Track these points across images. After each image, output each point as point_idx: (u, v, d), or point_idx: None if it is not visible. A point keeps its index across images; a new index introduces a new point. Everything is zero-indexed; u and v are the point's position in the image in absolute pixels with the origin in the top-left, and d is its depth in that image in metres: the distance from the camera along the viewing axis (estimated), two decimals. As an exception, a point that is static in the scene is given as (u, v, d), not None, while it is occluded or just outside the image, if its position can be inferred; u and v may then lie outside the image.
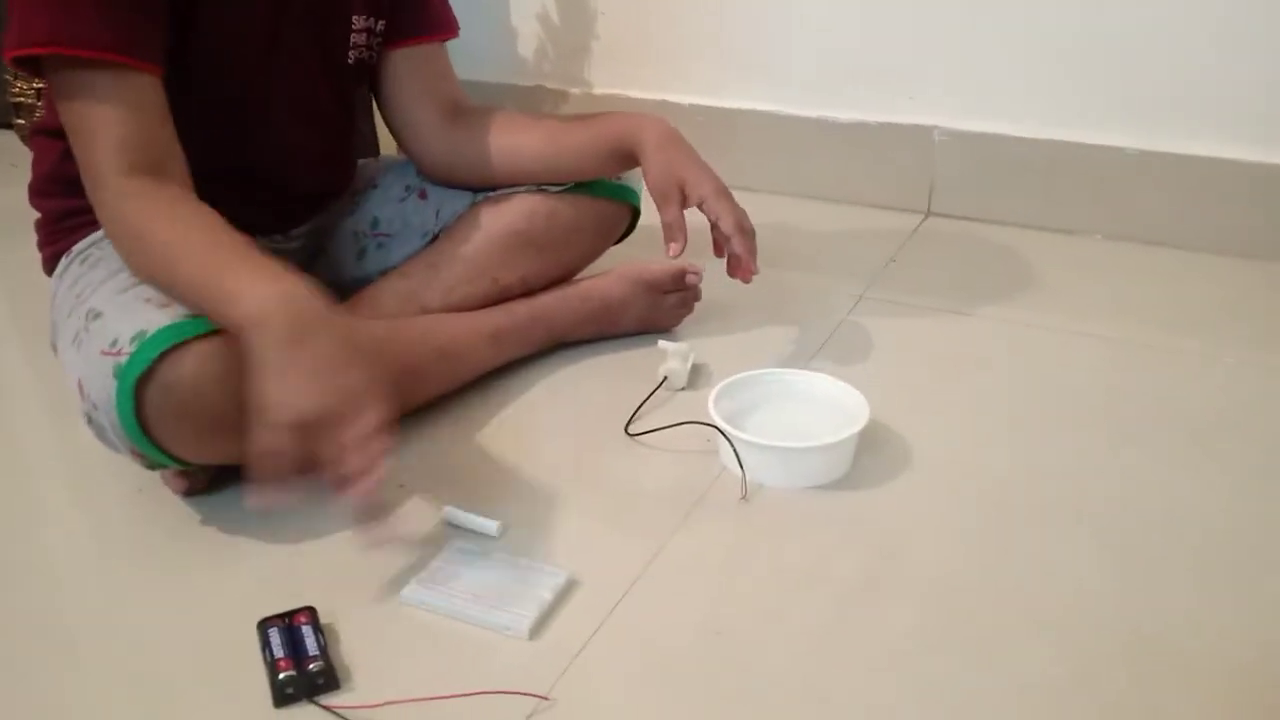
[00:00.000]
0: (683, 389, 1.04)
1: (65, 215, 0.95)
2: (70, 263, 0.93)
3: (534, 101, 1.72)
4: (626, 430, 0.96)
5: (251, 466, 0.71)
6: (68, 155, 0.86)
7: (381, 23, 1.03)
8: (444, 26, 1.09)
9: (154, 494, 0.89)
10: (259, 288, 0.74)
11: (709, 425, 0.91)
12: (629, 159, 1.03)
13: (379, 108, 1.11)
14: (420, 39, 1.07)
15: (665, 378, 1.03)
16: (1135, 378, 1.06)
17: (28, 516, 0.90)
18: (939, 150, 1.48)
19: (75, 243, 0.94)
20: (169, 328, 0.76)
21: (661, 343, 1.05)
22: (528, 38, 1.70)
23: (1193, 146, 1.34)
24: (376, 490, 0.71)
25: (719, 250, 1.02)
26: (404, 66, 1.06)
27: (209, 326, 0.77)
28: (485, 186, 1.09)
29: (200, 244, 0.79)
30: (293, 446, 0.70)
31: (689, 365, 1.04)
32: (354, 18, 1.00)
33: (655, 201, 1.00)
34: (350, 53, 1.01)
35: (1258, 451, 0.94)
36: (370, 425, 0.71)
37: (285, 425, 0.70)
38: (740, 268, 1.01)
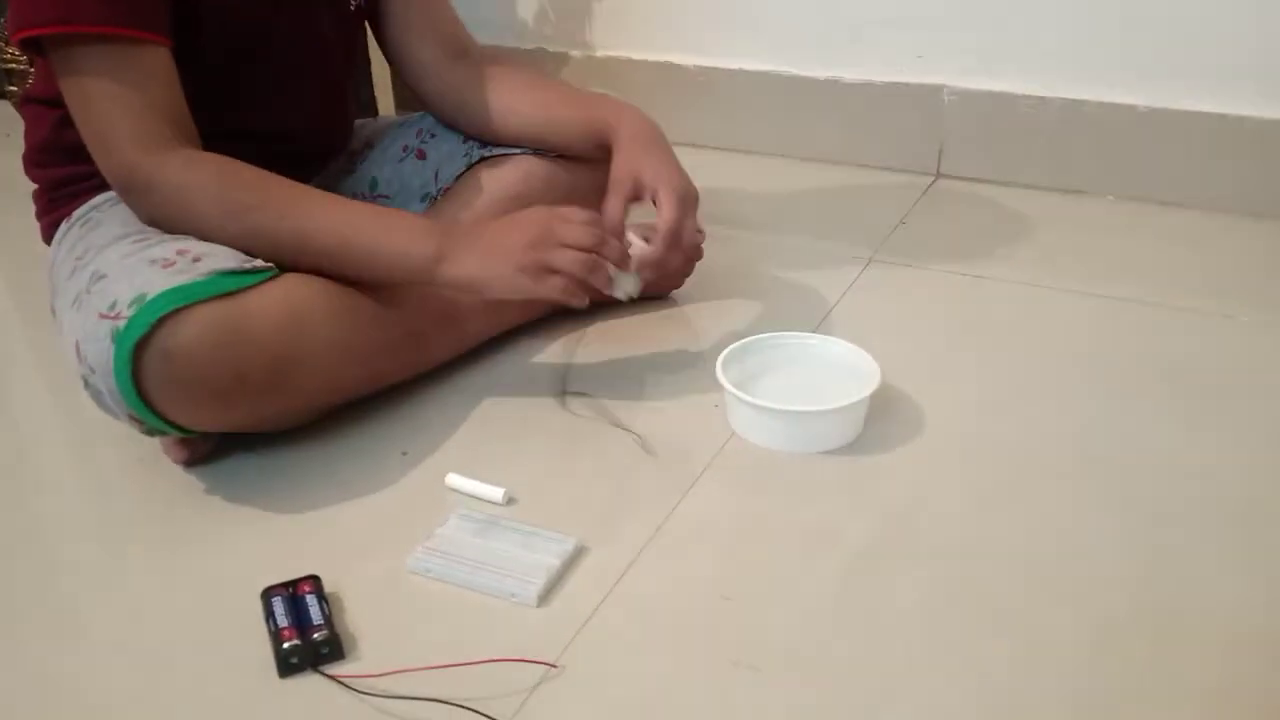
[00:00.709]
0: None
1: (64, 183, 0.94)
2: (70, 227, 0.92)
3: (535, 64, 1.69)
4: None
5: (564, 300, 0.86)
6: (64, 123, 0.86)
7: None
8: None
9: (154, 464, 0.88)
10: (404, 235, 0.85)
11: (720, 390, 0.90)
12: (604, 148, 1.00)
13: (383, 48, 1.09)
14: None
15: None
16: (1147, 339, 1.05)
17: (26, 486, 0.89)
18: (948, 110, 1.45)
19: (75, 209, 0.93)
20: (170, 291, 0.75)
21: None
22: (528, 0, 1.67)
23: (1202, 103, 1.31)
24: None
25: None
26: (405, 3, 1.05)
27: (212, 291, 0.76)
28: (482, 137, 1.08)
29: (321, 205, 0.86)
30: (550, 283, 0.84)
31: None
32: None
33: (607, 190, 0.95)
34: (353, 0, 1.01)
35: (1272, 412, 0.92)
36: (572, 218, 0.85)
37: (526, 272, 0.83)
38: (644, 266, 0.93)
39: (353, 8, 1.01)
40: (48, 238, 0.96)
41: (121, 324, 0.74)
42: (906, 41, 1.45)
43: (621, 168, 0.96)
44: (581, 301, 0.87)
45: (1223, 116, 1.30)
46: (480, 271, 0.85)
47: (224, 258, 0.79)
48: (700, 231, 1.10)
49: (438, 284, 0.86)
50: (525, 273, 0.84)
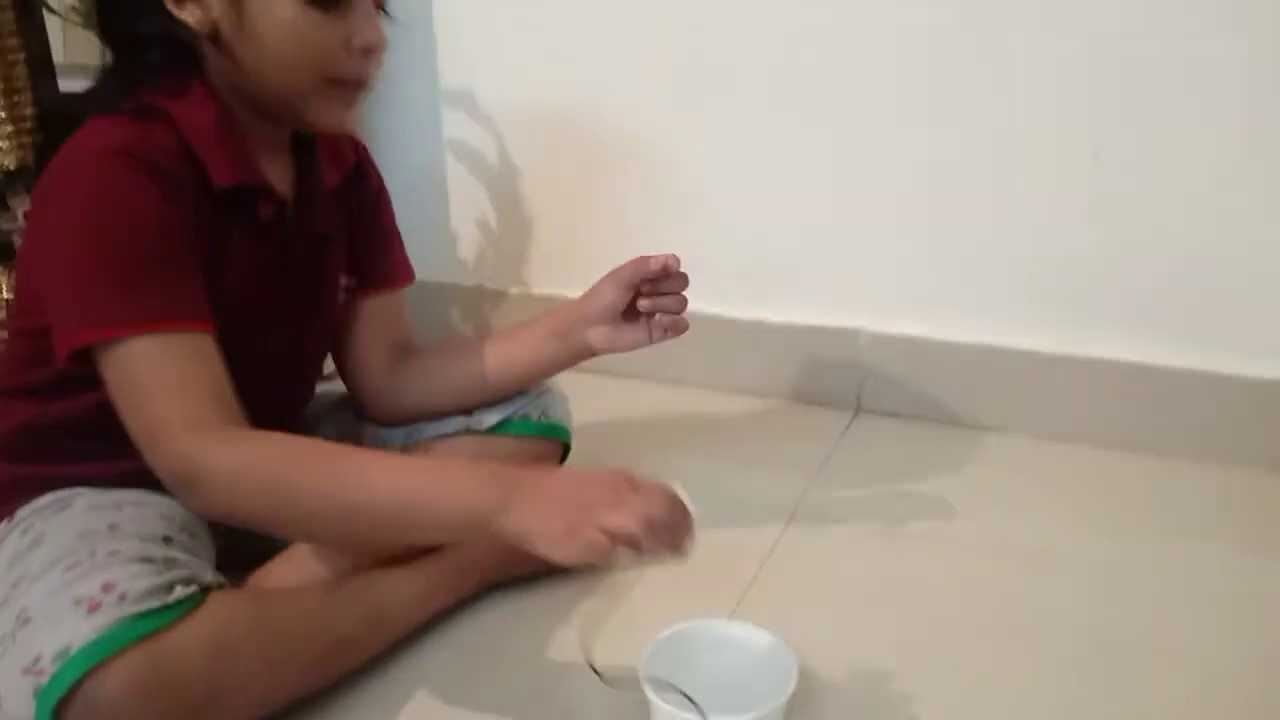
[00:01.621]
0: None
1: (13, 483, 0.95)
2: (11, 531, 0.92)
3: (475, 300, 1.77)
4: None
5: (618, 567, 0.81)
6: (24, 420, 0.90)
7: (354, 279, 1.10)
8: (404, 275, 1.16)
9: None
10: (470, 488, 0.83)
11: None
12: (582, 347, 1.10)
13: (331, 347, 1.14)
14: (384, 288, 1.13)
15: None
16: (1064, 599, 1.09)
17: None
18: (864, 351, 1.53)
19: (17, 508, 0.94)
20: (94, 643, 0.76)
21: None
22: (468, 241, 1.75)
23: (1103, 349, 1.40)
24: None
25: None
26: (364, 313, 1.12)
27: (132, 636, 0.77)
28: (433, 415, 1.13)
29: (375, 473, 0.85)
30: (597, 549, 0.78)
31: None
32: (340, 277, 1.07)
33: (618, 282, 1.07)
34: (334, 301, 1.08)
35: (1184, 678, 0.96)
36: (650, 489, 0.81)
37: (588, 538, 0.78)
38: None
39: (333, 316, 1.08)
40: None
41: (44, 680, 0.74)
42: (826, 288, 1.54)
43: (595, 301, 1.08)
44: (628, 567, 0.82)
45: (1122, 363, 1.39)
46: (533, 523, 0.80)
47: (147, 593, 0.80)
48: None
49: (492, 533, 0.82)
50: (574, 535, 0.78)
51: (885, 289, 1.51)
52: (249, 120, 0.96)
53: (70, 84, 1.59)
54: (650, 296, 1.08)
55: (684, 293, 1.08)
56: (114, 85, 0.92)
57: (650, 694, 0.91)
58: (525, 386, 1.15)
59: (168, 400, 0.83)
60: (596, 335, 1.10)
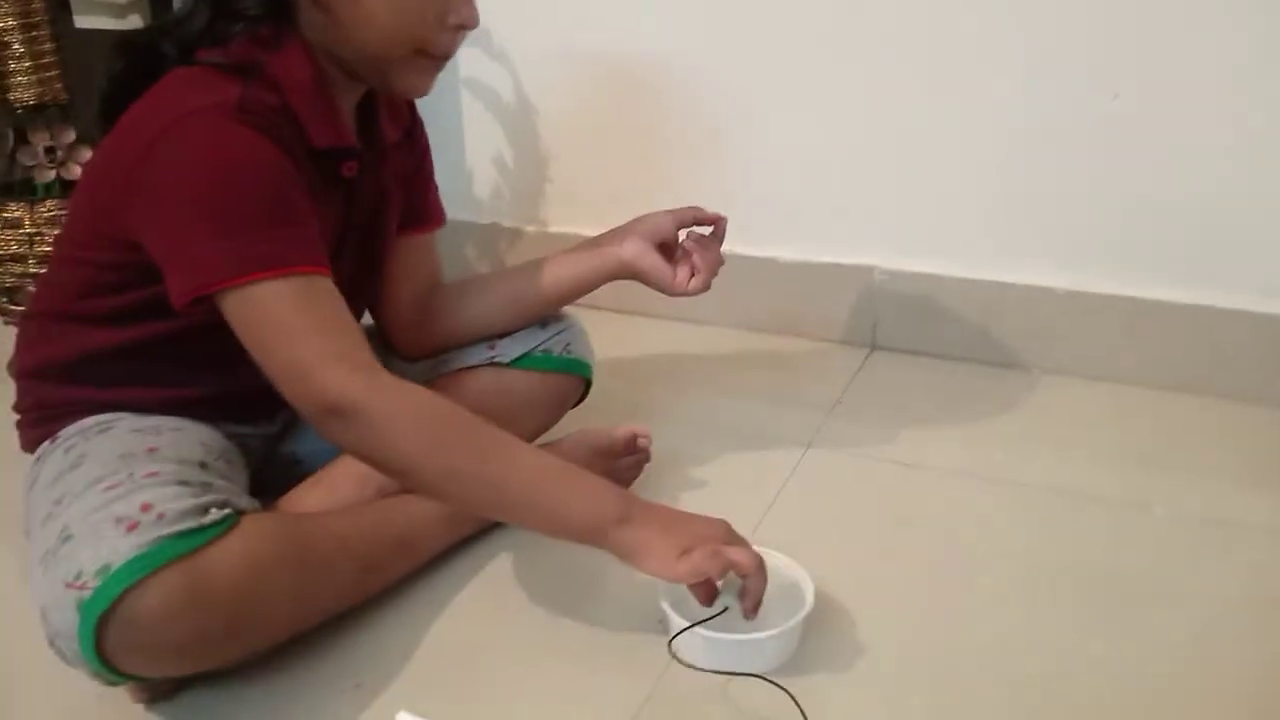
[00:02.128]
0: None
1: (63, 404, 0.98)
2: (55, 450, 0.95)
3: (490, 238, 1.77)
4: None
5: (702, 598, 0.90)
6: (83, 345, 0.93)
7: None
8: (438, 217, 1.17)
9: (114, 701, 0.90)
10: (599, 494, 0.89)
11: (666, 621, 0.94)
12: (620, 267, 1.11)
13: None
14: (419, 229, 1.14)
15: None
16: (1076, 534, 1.11)
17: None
18: (879, 288, 1.53)
19: (60, 429, 0.97)
20: (133, 560, 0.78)
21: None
22: (484, 179, 1.75)
23: (1120, 286, 1.41)
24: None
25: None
26: (399, 253, 1.13)
27: (172, 554, 0.80)
28: (459, 344, 1.15)
29: (520, 453, 0.89)
30: (716, 570, 0.87)
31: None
32: (393, 226, 1.09)
33: (670, 215, 1.11)
34: (385, 251, 1.09)
35: (1194, 615, 0.98)
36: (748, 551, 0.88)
37: (698, 562, 0.86)
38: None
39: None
40: (28, 446, 1.00)
41: (87, 595, 0.77)
42: (841, 224, 1.54)
43: (641, 236, 1.10)
44: (712, 605, 0.91)
45: (1134, 299, 1.40)
46: (650, 541, 0.87)
47: (183, 514, 0.82)
48: (646, 438, 1.16)
49: (606, 542, 0.88)
50: (687, 557, 0.87)
51: (902, 225, 1.51)
52: (338, 79, 0.96)
53: (85, 20, 1.59)
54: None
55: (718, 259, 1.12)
56: (204, 29, 0.91)
57: (667, 609, 0.94)
58: (555, 302, 1.16)
59: (310, 338, 0.83)
60: (630, 244, 1.11)
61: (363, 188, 1.01)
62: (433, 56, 0.94)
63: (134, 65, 0.92)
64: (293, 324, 0.84)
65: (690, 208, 1.13)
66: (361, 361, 0.84)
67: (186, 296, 0.84)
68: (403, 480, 0.91)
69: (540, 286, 1.14)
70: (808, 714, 0.87)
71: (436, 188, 1.18)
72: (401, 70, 0.94)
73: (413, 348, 1.16)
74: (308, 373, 0.83)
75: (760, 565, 0.89)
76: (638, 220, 1.12)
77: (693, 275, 1.11)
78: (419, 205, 1.14)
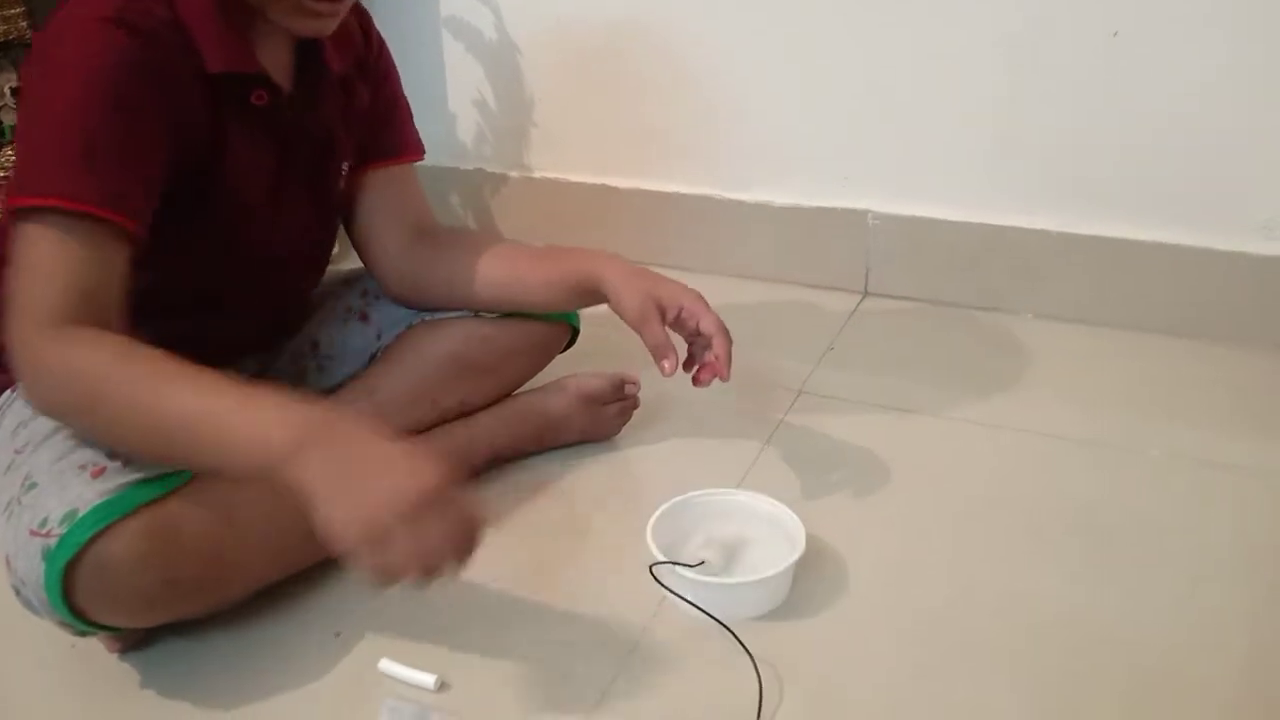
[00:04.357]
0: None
1: None
2: (16, 398, 0.91)
3: (474, 184, 1.73)
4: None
5: (371, 582, 0.71)
6: None
7: (355, 159, 1.05)
8: (414, 148, 1.11)
9: (87, 651, 0.88)
10: (270, 422, 0.72)
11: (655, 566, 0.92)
12: (592, 295, 1.03)
13: (347, 229, 1.10)
14: (391, 160, 1.08)
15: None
16: (1062, 479, 1.09)
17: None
18: (873, 233, 1.50)
19: None
20: (100, 506, 0.76)
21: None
22: (467, 123, 1.71)
23: (1113, 229, 1.38)
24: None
25: (691, 362, 1.03)
26: (375, 188, 1.07)
27: (140, 500, 0.77)
28: (444, 308, 1.09)
29: (180, 386, 0.75)
30: (383, 556, 0.69)
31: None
32: (343, 164, 1.03)
33: (636, 328, 0.98)
34: (336, 191, 1.04)
35: (1186, 561, 0.96)
36: (458, 509, 0.73)
37: (364, 543, 0.69)
38: (720, 368, 0.99)
39: (343, 185, 1.03)
40: None
41: (53, 542, 0.74)
42: (833, 168, 1.50)
43: (638, 301, 0.98)
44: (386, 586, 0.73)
45: (1127, 241, 1.37)
46: (323, 487, 0.70)
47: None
48: (634, 384, 1.14)
49: (280, 479, 0.72)
50: (367, 531, 0.70)
51: (894, 169, 1.47)
52: (251, 3, 0.89)
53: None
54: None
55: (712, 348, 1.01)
56: None
57: (655, 551, 0.92)
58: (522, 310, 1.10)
59: (34, 284, 0.77)
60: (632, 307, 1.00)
61: (296, 123, 0.95)
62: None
63: None
64: (34, 264, 0.77)
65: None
66: (60, 317, 0.76)
67: (13, 203, 0.79)
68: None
69: (519, 298, 1.08)
70: (799, 657, 0.85)
71: (410, 117, 1.11)
72: (277, 7, 0.86)
73: (401, 295, 1.10)
74: (13, 320, 0.77)
75: (439, 551, 0.72)
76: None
77: (697, 371, 1.02)
78: (386, 136, 1.07)
